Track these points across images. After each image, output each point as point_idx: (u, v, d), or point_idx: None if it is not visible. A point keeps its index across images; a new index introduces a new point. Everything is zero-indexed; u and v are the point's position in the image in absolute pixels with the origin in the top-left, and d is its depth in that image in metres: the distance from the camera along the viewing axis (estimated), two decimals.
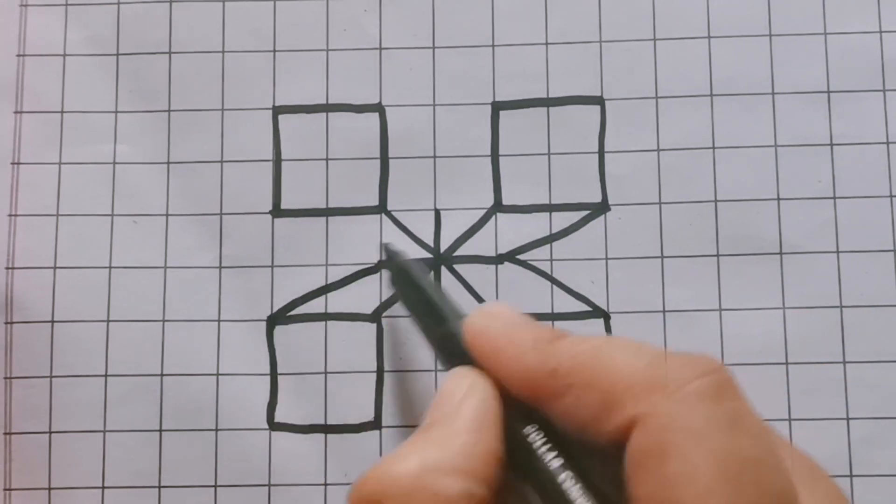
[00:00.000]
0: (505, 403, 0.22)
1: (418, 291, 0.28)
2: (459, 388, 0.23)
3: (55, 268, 0.34)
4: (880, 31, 0.34)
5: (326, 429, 0.33)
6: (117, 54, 0.35)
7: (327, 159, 0.34)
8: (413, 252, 0.34)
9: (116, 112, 0.34)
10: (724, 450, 0.19)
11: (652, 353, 0.21)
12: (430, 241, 0.34)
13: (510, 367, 0.23)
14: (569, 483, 0.21)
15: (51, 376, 0.33)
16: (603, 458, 0.21)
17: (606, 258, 0.33)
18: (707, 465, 0.19)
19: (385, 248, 0.33)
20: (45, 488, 0.33)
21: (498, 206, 0.34)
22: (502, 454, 0.22)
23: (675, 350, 0.22)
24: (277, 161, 0.34)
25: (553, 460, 0.21)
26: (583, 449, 0.21)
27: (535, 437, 0.22)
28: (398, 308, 0.33)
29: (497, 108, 0.34)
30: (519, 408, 0.22)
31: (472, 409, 0.22)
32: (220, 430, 0.33)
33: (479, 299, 0.33)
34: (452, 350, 0.24)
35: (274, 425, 0.33)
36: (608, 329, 0.33)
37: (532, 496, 0.21)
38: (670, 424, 0.19)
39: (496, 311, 0.24)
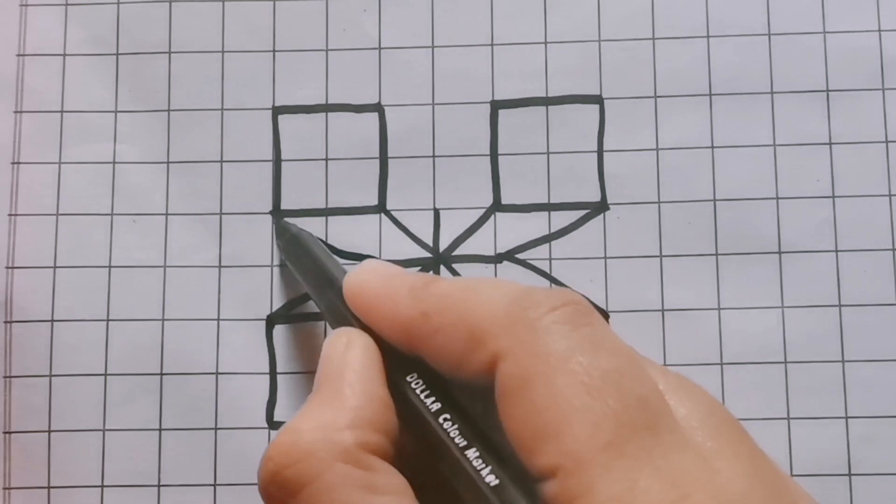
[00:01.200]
0: (386, 356, 0.23)
1: (308, 258, 0.29)
2: (340, 346, 0.23)
3: (55, 267, 0.34)
4: (879, 31, 0.34)
5: None
6: (117, 54, 0.35)
7: (327, 159, 0.34)
8: (413, 252, 0.34)
9: (116, 112, 0.34)
10: (586, 367, 0.19)
11: (514, 289, 0.21)
12: (430, 241, 0.34)
13: (387, 316, 0.23)
14: (447, 425, 0.21)
15: (50, 375, 0.33)
16: (482, 399, 0.21)
17: (605, 257, 0.33)
18: (570, 385, 0.19)
19: (276, 223, 0.33)
20: (44, 487, 0.33)
21: (497, 206, 0.34)
22: (390, 401, 0.22)
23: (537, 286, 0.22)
24: (277, 161, 0.34)
25: (432, 404, 0.21)
26: (466, 394, 0.22)
27: (416, 385, 0.22)
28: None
29: (496, 107, 0.34)
30: (399, 359, 0.23)
31: (355, 362, 0.22)
32: (220, 429, 0.33)
33: None
34: (339, 313, 0.25)
35: (273, 424, 0.33)
36: None
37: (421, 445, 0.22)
38: (531, 353, 0.20)
39: (372, 266, 0.25)
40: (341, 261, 0.34)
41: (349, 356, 0.23)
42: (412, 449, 0.22)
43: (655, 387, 0.20)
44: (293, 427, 0.21)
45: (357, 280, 0.24)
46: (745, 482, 0.19)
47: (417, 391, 0.22)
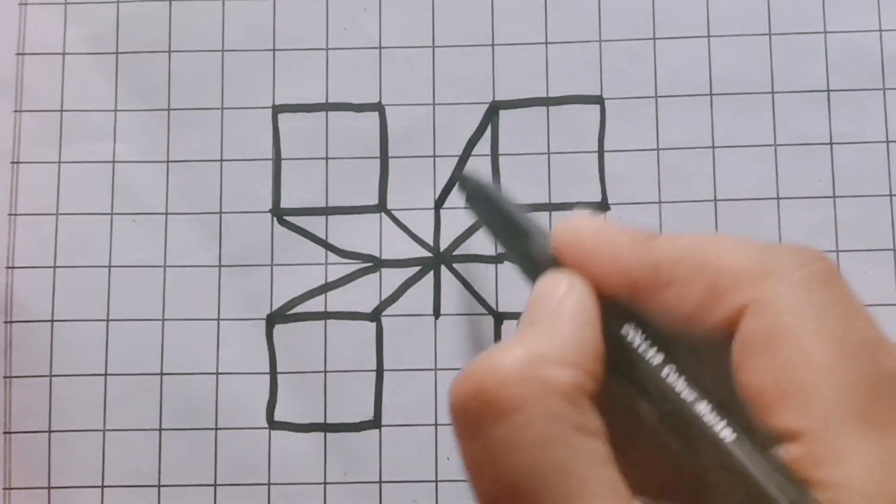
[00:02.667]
0: (603, 305, 0.22)
1: (498, 210, 0.28)
2: (558, 288, 0.22)
3: (55, 267, 0.34)
4: (880, 30, 0.34)
5: (326, 427, 0.33)
6: (117, 53, 0.35)
7: (327, 158, 0.34)
8: (413, 251, 0.34)
9: (116, 111, 0.34)
10: (840, 332, 0.19)
11: (757, 244, 0.20)
12: (430, 240, 0.34)
13: (607, 267, 0.22)
14: (673, 377, 0.20)
15: (50, 375, 0.33)
16: (702, 355, 0.21)
17: None
18: (823, 347, 0.18)
19: (461, 176, 0.32)
20: (44, 487, 0.33)
21: None
22: (603, 352, 0.21)
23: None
24: (277, 160, 0.34)
25: (654, 356, 0.21)
26: (682, 347, 0.21)
27: (635, 336, 0.21)
28: (400, 307, 0.33)
29: (496, 107, 0.34)
30: (616, 309, 0.22)
31: (574, 304, 0.21)
32: (220, 428, 0.33)
33: (479, 298, 0.33)
34: (539, 262, 0.24)
35: (273, 424, 0.33)
36: None
37: (635, 397, 0.21)
38: (783, 309, 0.19)
39: (582, 220, 0.23)
40: (343, 260, 0.34)
41: (569, 297, 0.22)
42: (615, 401, 0.21)
43: None
44: (504, 348, 0.20)
45: (569, 232, 0.23)
46: None
47: (638, 341, 0.21)
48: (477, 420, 0.19)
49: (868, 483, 0.17)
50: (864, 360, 0.18)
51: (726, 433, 0.19)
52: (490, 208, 0.28)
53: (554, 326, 0.21)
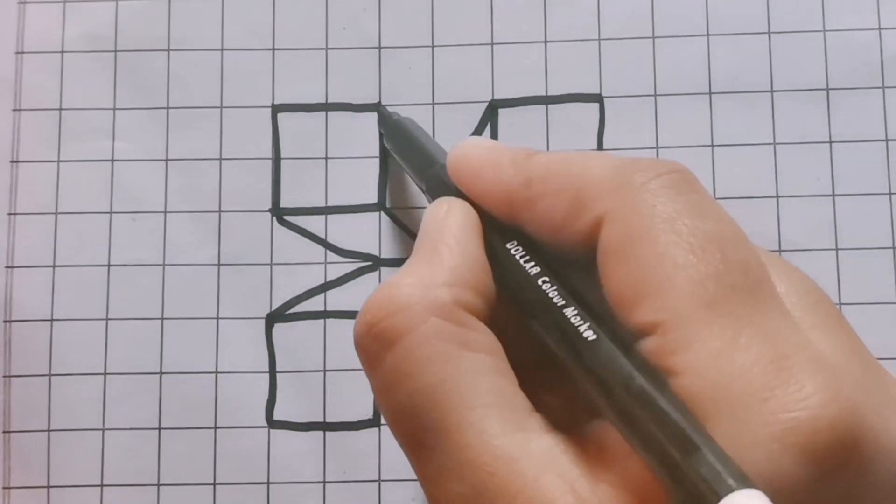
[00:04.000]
0: (486, 224, 0.23)
1: (409, 141, 0.30)
2: (440, 212, 0.23)
3: (54, 266, 0.34)
4: (879, 29, 0.34)
5: (325, 426, 0.33)
6: (116, 51, 0.35)
7: (326, 157, 0.34)
8: (412, 250, 0.34)
9: (115, 109, 0.34)
10: (691, 229, 0.19)
11: (619, 159, 0.22)
12: None
13: (489, 185, 0.23)
14: (546, 287, 0.21)
15: (49, 374, 0.33)
16: (577, 266, 0.22)
17: None
18: (676, 244, 0.19)
19: (379, 110, 0.34)
20: (44, 486, 0.33)
21: None
22: (486, 264, 0.22)
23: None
24: (276, 159, 0.34)
25: (532, 268, 0.22)
26: (562, 262, 0.22)
27: (515, 251, 0.22)
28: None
29: (496, 106, 0.34)
30: (499, 227, 0.23)
31: (454, 226, 0.23)
32: (219, 427, 0.33)
33: None
34: (441, 188, 0.25)
35: (273, 423, 0.33)
36: None
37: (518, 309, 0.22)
38: (637, 214, 0.20)
39: (476, 141, 0.25)
40: (343, 259, 0.34)
41: (449, 220, 0.23)
42: (507, 315, 0.22)
43: (758, 255, 0.20)
44: (391, 282, 0.21)
45: (460, 152, 0.25)
46: (841, 356, 0.19)
47: (517, 256, 0.22)
48: (374, 354, 0.21)
49: (712, 368, 0.18)
50: (713, 252, 0.19)
51: (588, 334, 0.20)
52: (403, 141, 0.30)
53: (434, 249, 0.22)
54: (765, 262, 0.20)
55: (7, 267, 0.34)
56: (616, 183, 0.21)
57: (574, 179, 0.22)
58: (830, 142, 0.33)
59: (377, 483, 0.32)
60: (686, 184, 0.21)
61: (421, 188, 0.28)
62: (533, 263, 0.22)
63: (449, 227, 0.23)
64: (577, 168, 0.22)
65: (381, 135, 0.34)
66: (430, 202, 0.25)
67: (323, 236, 0.34)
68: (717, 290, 0.19)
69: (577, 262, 0.22)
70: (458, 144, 0.25)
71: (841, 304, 0.33)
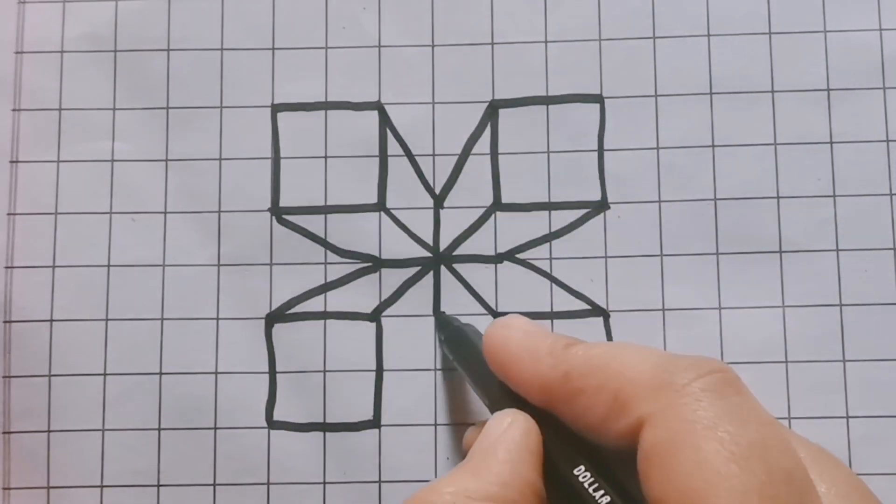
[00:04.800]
0: (554, 444, 0.23)
1: (471, 350, 0.29)
2: (499, 424, 0.23)
3: (54, 266, 0.34)
4: (880, 29, 0.34)
5: (325, 427, 0.33)
6: (115, 51, 0.35)
7: (326, 157, 0.34)
8: (412, 251, 0.34)
9: (115, 109, 0.34)
10: (734, 437, 0.19)
11: (659, 355, 0.21)
12: (430, 240, 0.34)
13: (527, 374, 0.23)
14: None
15: (49, 375, 0.33)
16: (620, 458, 0.21)
17: (606, 256, 0.33)
18: (717, 453, 0.19)
19: (438, 316, 0.33)
20: (43, 487, 0.33)
21: (497, 205, 0.34)
22: (541, 487, 0.22)
23: (681, 353, 0.22)
24: (276, 159, 0.34)
25: (602, 497, 0.21)
26: (602, 451, 0.22)
27: (583, 478, 0.22)
28: (399, 307, 0.33)
29: (496, 105, 0.34)
30: (567, 448, 0.23)
31: (511, 441, 0.22)
32: (219, 428, 0.33)
33: (479, 298, 0.33)
34: (505, 403, 0.25)
35: (273, 424, 0.33)
36: (608, 328, 0.33)
37: None
38: (678, 419, 0.20)
39: (514, 322, 0.25)
40: (343, 259, 0.33)
41: (508, 434, 0.23)
42: None
43: (801, 462, 0.20)
44: (432, 488, 0.21)
45: (497, 336, 0.25)
46: None
47: (585, 484, 0.22)
48: None
49: None
50: (755, 461, 0.19)
51: None
52: (465, 349, 0.29)
53: (485, 464, 0.22)
54: (806, 467, 0.20)
55: (7, 267, 0.34)
56: (656, 384, 0.21)
57: (613, 379, 0.21)
58: (831, 142, 0.33)
59: (377, 484, 0.32)
60: (727, 386, 0.20)
61: (483, 401, 0.27)
62: (603, 492, 0.21)
63: (505, 441, 0.23)
64: (616, 366, 0.22)
65: (439, 341, 0.33)
66: (491, 413, 0.25)
67: (323, 236, 0.34)
68: (763, 498, 0.19)
69: (618, 454, 0.21)
70: (494, 325, 0.25)
71: (842, 305, 0.33)
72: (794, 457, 0.20)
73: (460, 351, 0.30)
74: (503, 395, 0.25)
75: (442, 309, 0.33)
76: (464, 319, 0.33)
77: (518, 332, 0.24)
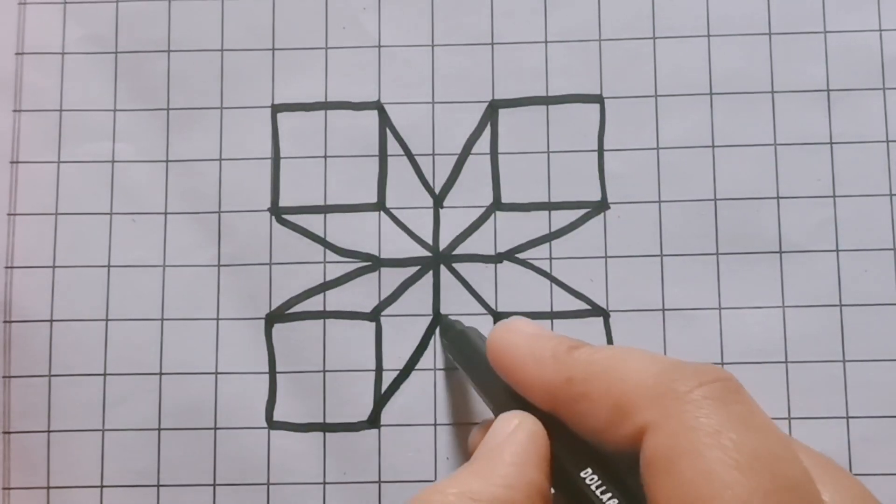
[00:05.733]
0: (560, 447, 0.23)
1: (474, 353, 0.29)
2: (506, 426, 0.23)
3: (54, 266, 0.34)
4: (880, 30, 0.34)
5: (325, 427, 0.33)
6: (116, 52, 0.35)
7: (326, 157, 0.34)
8: (412, 250, 0.34)
9: (115, 110, 0.34)
10: (737, 445, 0.19)
11: (662, 362, 0.21)
12: (429, 240, 0.34)
13: (531, 378, 0.23)
14: None
15: (49, 375, 0.33)
16: (625, 462, 0.21)
17: (606, 256, 0.33)
18: (720, 461, 0.19)
19: (441, 319, 0.33)
20: (43, 487, 0.33)
21: (497, 205, 0.34)
22: (547, 490, 0.22)
23: (685, 360, 0.22)
24: (276, 159, 0.34)
25: (609, 500, 0.21)
26: (607, 454, 0.22)
27: (590, 480, 0.22)
28: (399, 306, 0.33)
29: (496, 106, 0.34)
30: (575, 451, 0.22)
31: (517, 443, 0.22)
32: (219, 428, 0.33)
33: (479, 298, 0.33)
34: (509, 405, 0.25)
35: (273, 424, 0.33)
36: (607, 328, 0.33)
37: None
38: (681, 426, 0.20)
39: (517, 325, 0.25)
40: (342, 259, 0.33)
41: (514, 436, 0.23)
42: None
43: (805, 469, 0.20)
44: (438, 487, 0.21)
45: (501, 339, 0.25)
46: None
47: (592, 486, 0.22)
48: None
49: None
50: (759, 469, 0.19)
51: None
52: (468, 353, 0.29)
53: (490, 464, 0.22)
54: (811, 475, 0.20)
55: (7, 267, 0.34)
56: (658, 391, 0.20)
57: (615, 384, 0.21)
58: (831, 143, 0.33)
59: (377, 484, 0.32)
60: (730, 394, 0.20)
61: (488, 405, 0.27)
62: (610, 495, 0.21)
63: (511, 443, 0.22)
64: (619, 371, 0.21)
65: (443, 344, 0.33)
66: (494, 414, 0.24)
67: (322, 236, 0.34)
68: None
69: (623, 458, 0.21)
70: (498, 328, 0.25)
71: (842, 305, 0.33)
72: (799, 464, 0.20)
73: (464, 354, 0.30)
74: (508, 398, 0.25)
75: (442, 309, 0.33)
76: (464, 319, 0.33)
77: (522, 335, 0.24)
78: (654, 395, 0.20)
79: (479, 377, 0.28)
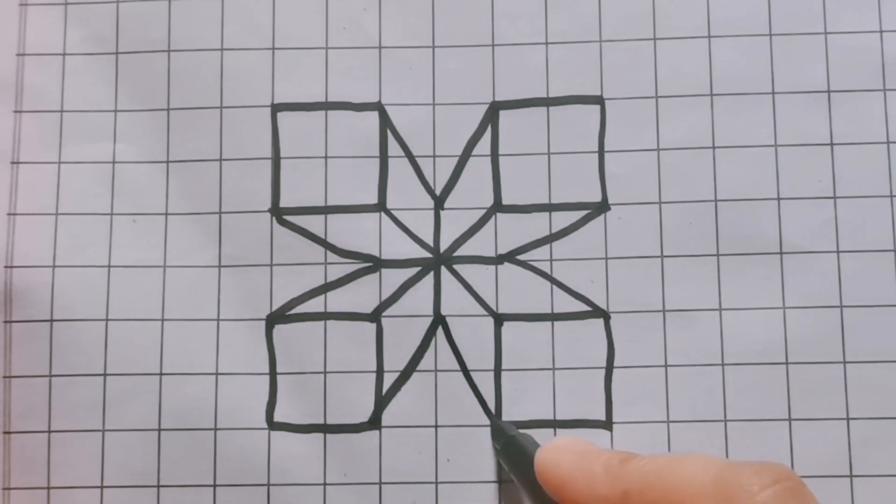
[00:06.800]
0: None
1: (525, 459, 0.28)
2: None
3: (54, 267, 0.34)
4: (880, 31, 0.34)
5: (325, 428, 0.33)
6: (116, 53, 0.35)
7: (326, 157, 0.34)
8: (413, 252, 0.34)
9: (116, 111, 0.34)
10: None
11: (719, 465, 0.21)
12: (430, 241, 0.34)
13: (582, 496, 0.23)
14: None
15: (50, 375, 0.33)
16: None
17: (606, 258, 0.33)
18: None
19: (493, 421, 0.33)
20: (44, 487, 0.33)
21: (498, 206, 0.34)
22: None
23: (743, 460, 0.21)
24: (276, 159, 0.34)
25: None
26: None
27: None
28: (399, 307, 0.33)
29: (497, 107, 0.34)
30: None
31: None
32: (219, 429, 0.33)
33: (479, 299, 0.33)
34: None
35: (273, 425, 0.33)
36: (608, 329, 0.33)
37: None
38: None
39: (564, 443, 0.25)
40: (343, 260, 0.33)
41: None
42: None
43: None
44: None
45: (549, 458, 0.24)
46: None
47: None
48: None
49: None
50: None
51: None
52: (520, 460, 0.29)
53: None
54: None
55: (7, 267, 0.34)
56: (721, 497, 0.20)
57: (675, 492, 0.21)
58: (832, 144, 0.33)
59: (378, 485, 0.32)
60: (794, 496, 0.20)
61: None
62: None
63: None
64: (676, 479, 0.21)
65: (495, 451, 0.32)
66: None
67: (323, 237, 0.34)
68: None
69: None
70: (544, 449, 0.25)
71: (842, 306, 0.33)
72: None
73: (516, 463, 0.29)
74: None
75: (442, 310, 0.33)
76: (464, 321, 0.33)
77: (569, 453, 0.24)
78: (717, 501, 0.20)
79: (531, 489, 0.27)
